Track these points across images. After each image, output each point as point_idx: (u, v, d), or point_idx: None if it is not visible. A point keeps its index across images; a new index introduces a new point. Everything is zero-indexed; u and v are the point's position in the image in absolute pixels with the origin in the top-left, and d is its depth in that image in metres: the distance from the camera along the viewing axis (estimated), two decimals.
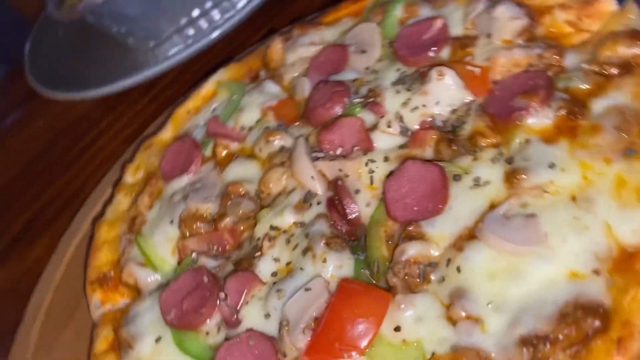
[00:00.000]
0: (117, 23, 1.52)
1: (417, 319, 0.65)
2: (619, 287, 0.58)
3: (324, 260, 0.74)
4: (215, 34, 1.53)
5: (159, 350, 0.79)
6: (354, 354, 0.65)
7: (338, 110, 0.92)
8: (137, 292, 0.92)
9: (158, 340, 0.80)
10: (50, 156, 1.59)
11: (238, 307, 0.77)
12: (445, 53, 0.89)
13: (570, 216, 0.64)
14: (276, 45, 1.12)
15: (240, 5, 1.55)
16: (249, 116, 1.03)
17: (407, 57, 0.92)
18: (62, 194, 1.45)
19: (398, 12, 1.00)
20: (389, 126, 0.86)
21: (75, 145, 1.56)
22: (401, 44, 0.94)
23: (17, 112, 1.87)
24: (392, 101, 0.88)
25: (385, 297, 0.67)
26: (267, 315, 0.74)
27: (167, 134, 1.13)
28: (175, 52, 1.54)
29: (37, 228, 1.40)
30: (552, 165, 0.69)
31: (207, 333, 0.77)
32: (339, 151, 0.88)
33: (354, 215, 0.81)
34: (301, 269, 0.76)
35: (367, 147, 0.86)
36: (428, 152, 0.81)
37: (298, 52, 1.09)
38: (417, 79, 0.88)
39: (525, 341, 0.57)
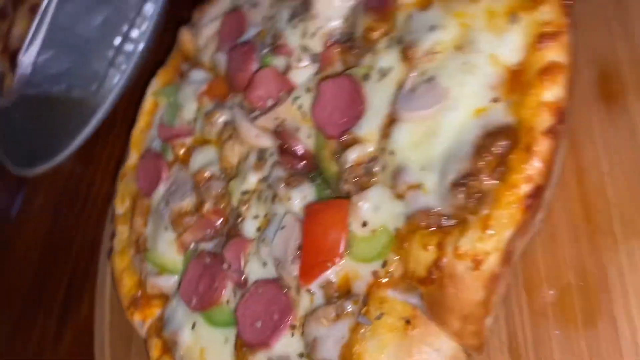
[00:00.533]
0: (54, 84, 1.59)
1: (374, 208, 0.72)
2: (515, 102, 0.64)
3: (289, 199, 0.82)
4: (141, 47, 1.60)
5: (198, 334, 0.89)
6: (337, 259, 0.73)
7: (254, 67, 0.98)
8: (166, 298, 1.02)
9: (193, 326, 0.89)
10: (60, 226, 1.70)
11: (242, 269, 0.86)
12: None
13: (460, 63, 0.70)
14: (185, 36, 1.18)
15: (149, 13, 1.61)
16: (189, 109, 1.10)
17: None
18: (83, 251, 1.56)
19: None
20: (299, 60, 0.92)
21: (75, 204, 1.66)
22: None
23: (17, 203, 1.98)
24: (293, 37, 0.94)
25: (342, 203, 0.74)
26: (265, 264, 0.83)
27: (133, 158, 1.21)
28: (117, 81, 1.62)
29: (76, 288, 1.52)
30: (433, 28, 0.74)
31: (228, 301, 0.86)
32: (269, 103, 0.95)
33: (302, 151, 0.88)
34: (275, 214, 0.84)
35: (290, 88, 0.92)
36: (339, 67, 0.87)
37: (204, 33, 1.15)
38: (304, 7, 0.93)
39: (456, 184, 0.64)
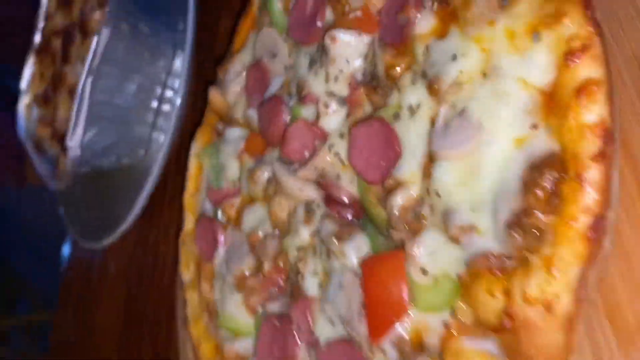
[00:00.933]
0: (104, 157, 1.65)
1: (431, 254, 0.70)
2: (556, 127, 0.60)
3: (343, 254, 0.81)
4: (177, 104, 1.62)
5: None
6: (403, 313, 0.71)
7: (284, 120, 0.98)
8: None
9: None
10: (136, 291, 1.75)
11: (311, 329, 0.85)
12: (329, 15, 0.92)
13: (490, 91, 0.66)
14: (213, 96, 1.19)
15: (179, 71, 1.64)
16: (231, 169, 1.11)
17: (304, 39, 0.96)
18: (160, 315, 1.60)
19: (277, 4, 1.03)
20: (327, 107, 0.91)
21: (145, 270, 1.71)
22: (293, 30, 0.98)
23: (93, 269, 2.07)
24: (316, 84, 0.92)
25: (397, 254, 0.72)
26: (333, 323, 0.82)
27: (189, 222, 1.23)
28: (162, 142, 1.66)
29: (161, 357, 1.56)
30: (454, 57, 0.71)
31: None
32: (306, 154, 0.94)
33: (347, 199, 0.86)
34: (333, 270, 0.83)
35: (323, 136, 0.91)
36: (367, 108, 0.85)
37: (232, 90, 1.15)
38: (322, 53, 0.92)
39: (510, 225, 0.61)
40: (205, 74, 1.54)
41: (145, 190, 1.65)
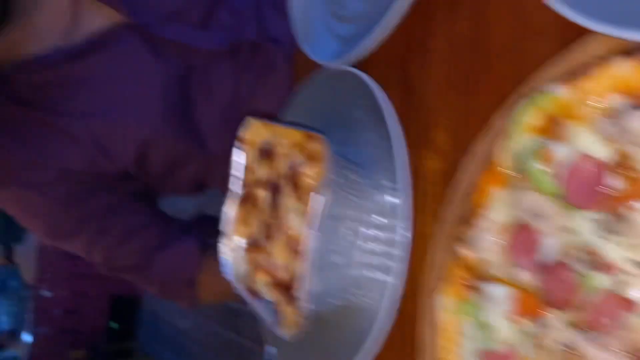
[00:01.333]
0: (327, 304, 1.70)
1: None
2: None
3: None
4: (398, 243, 1.62)
5: None
6: None
7: (572, 286, 0.96)
8: None
9: None
10: None
11: None
12: (615, 183, 0.91)
13: None
14: (464, 253, 1.20)
15: (390, 209, 1.67)
16: (503, 329, 1.09)
17: (588, 205, 0.95)
18: None
19: (538, 166, 1.04)
20: (632, 276, 0.88)
21: None
22: (572, 197, 0.97)
23: None
24: (612, 252, 0.90)
25: None
26: None
27: None
28: (386, 285, 1.67)
29: None
30: None
31: None
32: (609, 323, 0.90)
33: None
34: None
35: (628, 307, 0.88)
36: None
37: (483, 247, 1.15)
38: (616, 220, 0.90)
39: None
40: (416, 215, 1.55)
41: (370, 336, 1.66)
